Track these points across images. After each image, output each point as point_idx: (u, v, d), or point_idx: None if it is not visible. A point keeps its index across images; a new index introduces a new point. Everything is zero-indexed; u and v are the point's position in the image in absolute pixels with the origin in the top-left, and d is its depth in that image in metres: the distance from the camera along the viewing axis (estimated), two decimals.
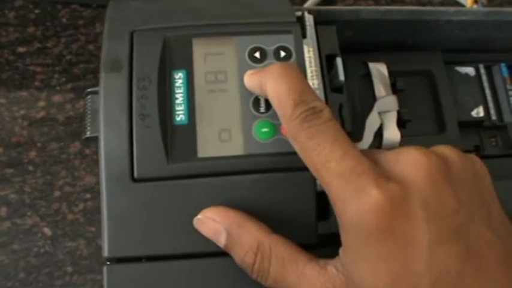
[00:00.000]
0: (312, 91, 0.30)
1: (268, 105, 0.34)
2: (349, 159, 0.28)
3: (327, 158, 0.28)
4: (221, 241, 0.31)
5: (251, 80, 0.34)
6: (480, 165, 0.30)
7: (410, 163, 0.28)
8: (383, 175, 0.27)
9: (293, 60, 0.35)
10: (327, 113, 0.29)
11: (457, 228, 0.27)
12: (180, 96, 0.34)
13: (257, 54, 0.35)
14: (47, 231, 0.57)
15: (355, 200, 0.27)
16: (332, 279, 0.28)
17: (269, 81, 0.31)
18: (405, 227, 0.26)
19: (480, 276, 0.27)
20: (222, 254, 0.32)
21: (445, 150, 0.29)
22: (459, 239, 0.27)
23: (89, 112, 0.36)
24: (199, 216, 0.32)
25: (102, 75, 0.34)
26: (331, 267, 0.29)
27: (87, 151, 0.59)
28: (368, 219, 0.26)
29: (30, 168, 0.58)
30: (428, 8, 0.42)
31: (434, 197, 0.27)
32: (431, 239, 0.26)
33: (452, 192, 0.28)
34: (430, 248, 0.26)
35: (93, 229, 0.57)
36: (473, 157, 0.30)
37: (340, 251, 0.29)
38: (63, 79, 0.62)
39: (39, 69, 0.62)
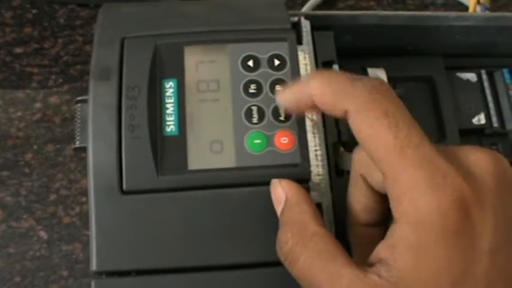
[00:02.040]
0: None
1: (261, 115, 0.33)
2: (428, 148, 0.26)
3: (404, 142, 0.26)
4: (278, 209, 0.31)
5: (291, 92, 0.31)
6: None
7: (483, 162, 0.26)
8: (462, 169, 0.26)
9: (287, 69, 0.34)
10: (391, 88, 0.28)
11: None
12: (170, 106, 0.33)
13: (250, 63, 0.34)
14: (43, 234, 0.56)
15: (435, 192, 0.25)
16: (373, 287, 0.26)
17: (314, 79, 0.29)
18: (477, 228, 0.25)
19: None
20: (212, 268, 0.32)
21: (502, 157, 0.28)
22: None
23: (78, 121, 0.36)
24: (276, 180, 0.31)
25: (91, 84, 0.34)
26: (373, 274, 0.26)
27: (84, 154, 0.58)
28: (447, 214, 0.25)
29: (26, 170, 0.58)
30: (429, 13, 0.41)
31: (500, 202, 0.26)
32: (493, 245, 0.25)
33: (511, 200, 0.27)
34: (491, 254, 0.25)
35: (89, 233, 0.56)
36: None
37: (386, 254, 0.26)
38: (60, 80, 0.61)
39: (36, 70, 0.61)
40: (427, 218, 0.25)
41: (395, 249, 0.26)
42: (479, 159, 0.27)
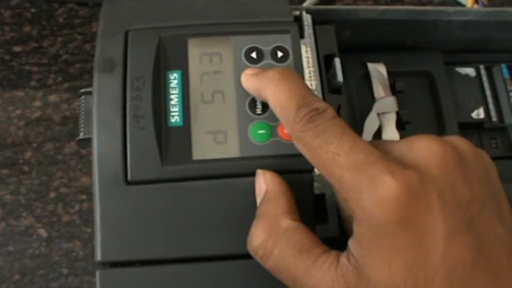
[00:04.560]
0: (313, 94, 0.30)
1: (264, 106, 0.34)
2: (359, 150, 0.27)
3: (335, 152, 0.27)
4: (258, 201, 0.31)
5: (249, 82, 0.33)
6: (489, 160, 0.30)
7: (425, 151, 0.27)
8: (397, 163, 0.27)
9: (290, 60, 0.35)
10: (330, 111, 0.29)
11: (469, 220, 0.26)
12: (175, 97, 0.34)
13: (253, 55, 0.35)
14: (43, 232, 0.56)
15: (370, 189, 0.26)
16: (345, 273, 0.27)
17: (269, 89, 0.31)
18: (422, 216, 0.26)
19: (491, 270, 0.26)
20: (217, 258, 0.32)
21: (458, 141, 0.29)
22: (472, 231, 0.26)
23: (82, 113, 0.36)
24: (261, 170, 0.32)
25: (96, 75, 0.34)
26: (344, 259, 0.27)
27: (83, 152, 0.58)
28: (385, 208, 0.26)
29: (26, 168, 0.58)
30: (428, 8, 0.42)
31: (448, 187, 0.27)
32: (446, 231, 0.26)
33: (465, 184, 0.27)
34: (445, 239, 0.26)
35: (89, 230, 0.56)
36: (483, 152, 0.30)
37: (351, 244, 0.28)
38: (60, 79, 0.61)
39: (35, 68, 0.61)
40: (369, 213, 0.26)
41: (355, 240, 0.27)
42: (422, 147, 0.28)
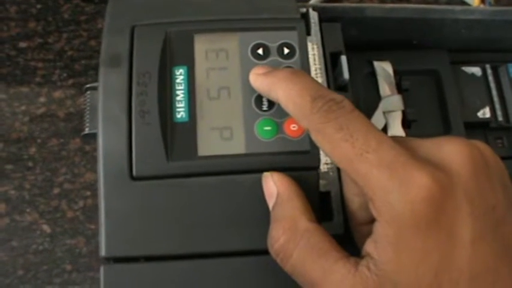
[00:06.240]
0: (325, 87, 0.30)
1: (271, 102, 0.34)
2: (388, 148, 0.27)
3: (363, 149, 0.27)
4: (270, 204, 0.31)
5: (258, 82, 0.33)
6: (504, 166, 0.29)
7: (456, 154, 0.27)
8: (428, 163, 0.26)
9: (297, 57, 0.34)
10: (348, 102, 0.28)
11: (494, 225, 0.26)
12: (180, 93, 0.34)
13: (260, 51, 0.35)
14: (46, 228, 0.56)
15: (402, 189, 0.26)
16: (364, 281, 0.26)
17: (280, 87, 0.30)
18: (451, 219, 0.26)
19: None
20: (221, 255, 0.32)
21: (482, 145, 0.28)
22: (496, 236, 0.26)
23: (88, 108, 0.36)
24: (268, 173, 0.32)
25: (102, 71, 0.34)
26: (363, 267, 0.27)
27: (88, 148, 0.58)
28: (417, 209, 0.25)
29: (30, 164, 0.58)
30: (434, 6, 0.41)
31: (477, 192, 0.26)
32: (474, 235, 0.26)
33: (491, 189, 0.27)
34: (472, 243, 0.26)
35: (92, 227, 0.56)
36: (499, 157, 0.29)
37: (371, 248, 0.27)
38: (64, 75, 0.61)
39: (40, 64, 0.61)
40: (399, 214, 0.26)
41: (377, 244, 0.27)
42: (452, 150, 0.27)
